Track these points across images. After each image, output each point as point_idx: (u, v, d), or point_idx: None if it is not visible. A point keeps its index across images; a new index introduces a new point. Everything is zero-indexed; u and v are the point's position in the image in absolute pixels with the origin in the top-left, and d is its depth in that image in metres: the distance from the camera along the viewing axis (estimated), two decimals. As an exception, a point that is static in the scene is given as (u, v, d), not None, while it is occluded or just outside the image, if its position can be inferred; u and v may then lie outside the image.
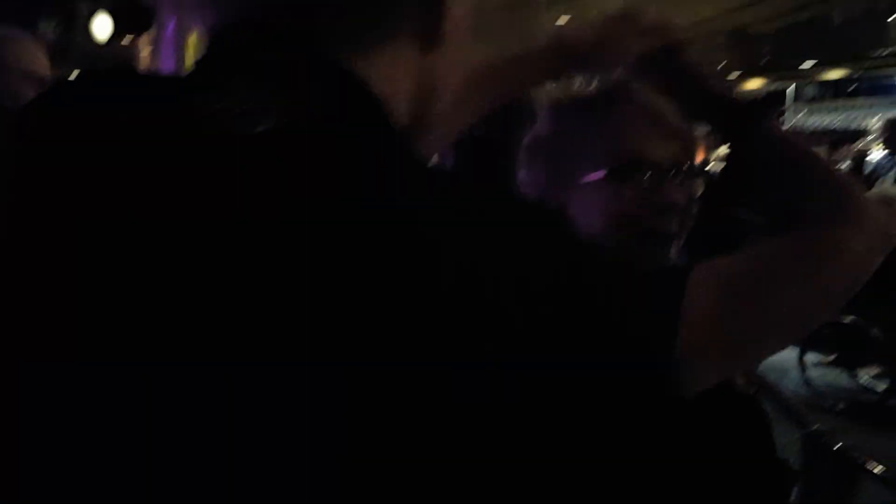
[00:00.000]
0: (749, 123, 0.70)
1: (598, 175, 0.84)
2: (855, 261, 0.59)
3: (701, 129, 0.90)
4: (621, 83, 0.87)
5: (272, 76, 0.39)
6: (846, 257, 0.57)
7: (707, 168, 0.94)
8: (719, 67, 9.14)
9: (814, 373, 4.75)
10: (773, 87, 9.21)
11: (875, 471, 1.60)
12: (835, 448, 1.54)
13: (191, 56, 4.62)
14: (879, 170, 5.39)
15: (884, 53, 7.08)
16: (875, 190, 4.70)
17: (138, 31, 5.45)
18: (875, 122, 7.59)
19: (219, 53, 0.42)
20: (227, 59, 0.41)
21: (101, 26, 5.42)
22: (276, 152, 0.37)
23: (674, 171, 0.84)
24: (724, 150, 0.78)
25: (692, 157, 0.86)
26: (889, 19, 6.49)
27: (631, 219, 0.83)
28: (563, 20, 0.94)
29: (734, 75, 9.08)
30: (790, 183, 0.68)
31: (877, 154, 6.31)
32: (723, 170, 0.84)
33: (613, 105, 0.86)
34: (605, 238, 0.82)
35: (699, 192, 0.88)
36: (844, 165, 6.06)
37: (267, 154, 0.37)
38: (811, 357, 4.83)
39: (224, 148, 0.38)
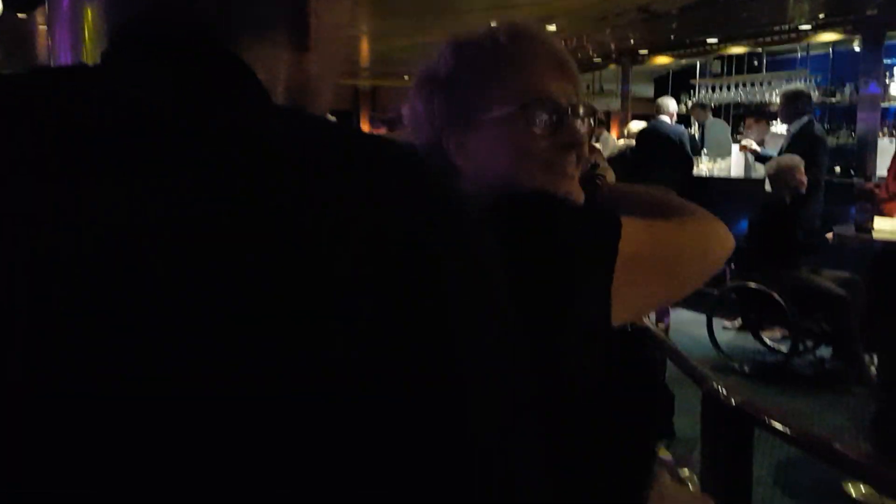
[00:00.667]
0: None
1: (505, 111, 0.84)
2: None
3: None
4: (525, 25, 0.91)
5: (178, 64, 0.44)
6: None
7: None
8: (631, 43, 9.29)
9: (722, 337, 4.95)
10: (680, 62, 9.48)
11: (774, 424, 1.67)
12: (733, 404, 1.60)
13: (88, 28, 4.39)
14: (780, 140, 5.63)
15: (783, 29, 7.39)
16: (777, 158, 4.90)
17: (31, 6, 5.15)
18: (777, 96, 7.93)
19: (126, 47, 0.47)
20: (135, 51, 0.46)
21: (-11, 1, 5.10)
22: (191, 125, 0.40)
23: (571, 110, 0.87)
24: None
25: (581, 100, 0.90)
26: (788, -3, 6.77)
27: (535, 155, 0.84)
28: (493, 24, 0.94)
29: (643, 52, 9.31)
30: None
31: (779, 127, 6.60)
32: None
33: (520, 44, 0.88)
34: (509, 175, 0.83)
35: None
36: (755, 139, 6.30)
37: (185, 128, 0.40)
38: (719, 322, 5.04)
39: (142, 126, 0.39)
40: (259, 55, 0.47)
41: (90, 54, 4.55)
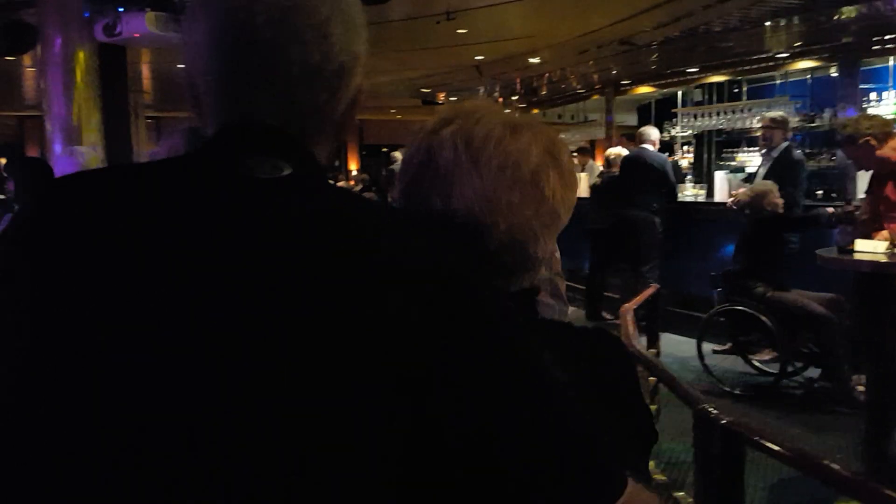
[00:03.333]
0: None
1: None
2: None
3: None
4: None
5: (276, 151, 0.69)
6: None
7: None
8: (613, 74, 9.44)
9: (711, 360, 5.00)
10: (662, 92, 9.67)
11: (765, 443, 1.71)
12: (723, 423, 1.64)
13: (80, 71, 4.45)
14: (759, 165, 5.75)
15: (761, 58, 7.58)
16: (751, 184, 5.00)
17: (22, 50, 5.22)
18: (756, 122, 8.09)
19: (241, 140, 0.70)
20: (252, 143, 0.70)
21: (-19, 44, 5.17)
22: (295, 189, 0.68)
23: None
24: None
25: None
26: (765, 24, 6.95)
27: None
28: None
29: (626, 82, 9.49)
30: None
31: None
32: None
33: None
34: None
35: None
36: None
37: (292, 190, 0.68)
38: (708, 347, 5.09)
39: (264, 188, 0.67)
40: (318, 150, 0.75)
41: (82, 94, 4.62)
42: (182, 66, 0.76)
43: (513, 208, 0.85)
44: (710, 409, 1.69)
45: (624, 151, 7.17)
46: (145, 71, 11.00)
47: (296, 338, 0.60)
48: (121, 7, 4.27)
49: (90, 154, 3.31)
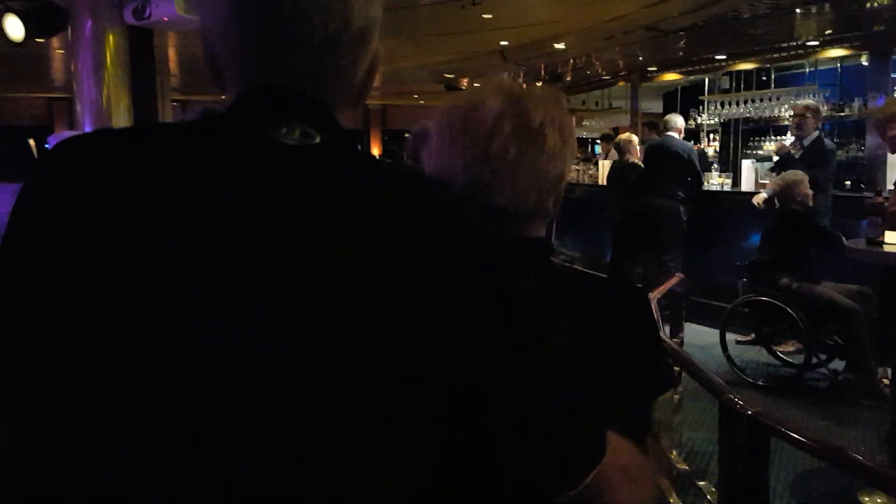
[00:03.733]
0: None
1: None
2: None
3: None
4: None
5: (304, 116, 0.70)
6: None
7: None
8: (639, 60, 9.34)
9: (735, 351, 4.98)
10: (689, 79, 9.55)
11: (791, 434, 1.70)
12: (749, 414, 1.64)
13: (110, 54, 4.50)
14: (786, 155, 5.68)
15: (791, 46, 7.45)
16: (782, 174, 4.94)
17: (52, 33, 5.28)
18: (786, 111, 7.98)
19: (268, 105, 0.71)
20: (279, 108, 0.70)
21: (14, 27, 5.23)
22: (327, 154, 0.70)
23: None
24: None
25: None
26: (796, 11, 6.83)
27: None
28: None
29: (652, 69, 9.39)
30: None
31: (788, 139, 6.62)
32: None
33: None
34: None
35: None
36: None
37: (323, 155, 0.70)
38: (731, 336, 5.06)
39: (296, 153, 0.68)
40: (342, 115, 0.75)
41: (112, 77, 4.67)
42: (202, 40, 0.77)
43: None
44: (736, 400, 1.69)
45: (634, 138, 7.10)
46: (171, 54, 11.08)
47: (347, 303, 0.62)
48: (150, -10, 4.32)
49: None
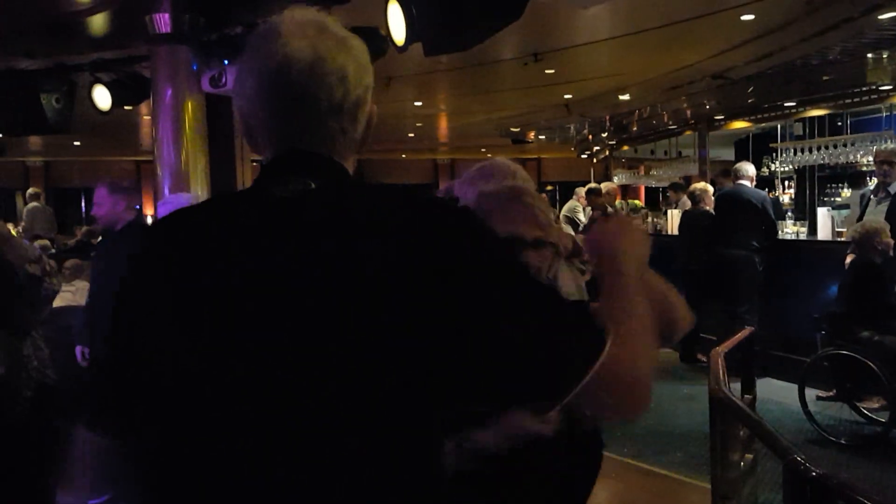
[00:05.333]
0: None
1: None
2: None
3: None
4: (518, 189, 1.55)
5: (307, 171, 0.94)
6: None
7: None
8: (706, 109, 9.25)
9: (815, 407, 4.75)
10: (758, 126, 9.39)
11: (858, 498, 1.62)
12: (812, 475, 1.58)
13: (189, 119, 4.77)
14: (867, 198, 5.50)
15: (863, 91, 7.25)
16: (862, 222, 4.78)
17: (136, 101, 5.63)
18: (862, 156, 7.73)
19: (284, 165, 0.96)
20: (291, 167, 0.95)
21: (101, 96, 5.61)
22: (313, 195, 0.92)
23: (532, 244, 1.49)
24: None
25: (551, 239, 1.54)
26: (868, 56, 6.68)
27: None
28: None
29: (719, 117, 9.27)
30: None
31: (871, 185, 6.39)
32: None
33: (511, 202, 1.52)
34: None
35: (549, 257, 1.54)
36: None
37: (307, 197, 0.92)
38: (812, 393, 4.84)
39: (300, 205, 0.92)
40: (347, 163, 1.00)
41: (190, 142, 4.94)
42: (239, 116, 1.01)
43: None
44: (800, 460, 1.63)
45: (710, 187, 6.99)
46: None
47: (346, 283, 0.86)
48: (226, 60, 4.57)
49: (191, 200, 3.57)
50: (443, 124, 13.17)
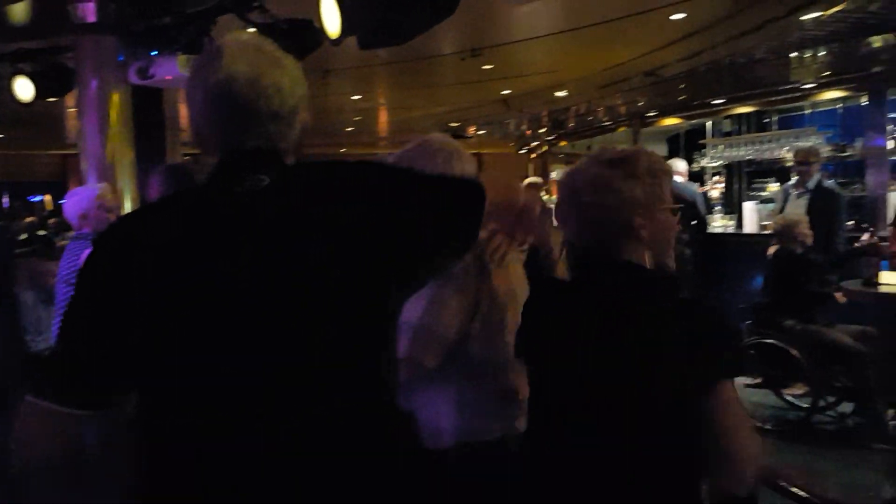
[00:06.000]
0: None
1: None
2: None
3: None
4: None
5: (259, 167, 1.14)
6: None
7: None
8: (639, 106, 9.44)
9: (743, 395, 4.90)
10: (690, 123, 9.63)
11: (780, 483, 1.68)
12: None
13: (115, 112, 4.62)
14: (787, 193, 5.71)
15: (788, 88, 7.52)
16: (782, 214, 4.96)
17: (60, 93, 5.42)
18: (787, 152, 8.01)
19: (234, 162, 1.15)
20: (244, 164, 1.14)
21: (23, 88, 5.38)
22: (267, 189, 1.14)
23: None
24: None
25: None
26: (791, 55, 6.92)
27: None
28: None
29: (652, 114, 9.48)
30: None
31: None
32: None
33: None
34: None
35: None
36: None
37: (263, 191, 1.14)
38: (739, 380, 4.99)
39: (256, 197, 1.13)
40: (287, 159, 1.19)
41: (117, 134, 4.77)
42: (190, 121, 1.19)
43: None
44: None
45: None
46: (182, 110, 11.30)
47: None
48: (154, 51, 4.42)
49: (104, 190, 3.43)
50: (382, 118, 13.10)
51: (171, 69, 4.34)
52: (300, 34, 4.05)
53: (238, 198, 1.10)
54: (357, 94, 10.13)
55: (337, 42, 3.57)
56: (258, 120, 1.12)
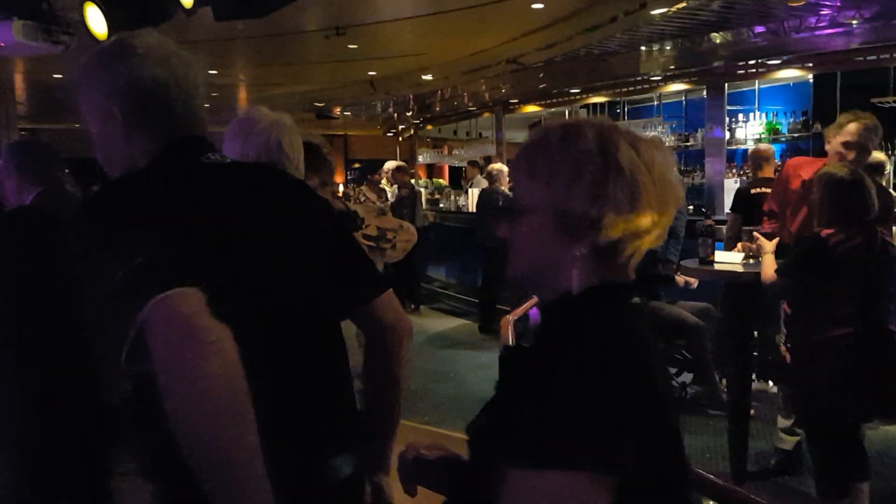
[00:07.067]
0: None
1: None
2: None
3: None
4: None
5: (210, 148, 1.29)
6: None
7: None
8: (502, 93, 9.67)
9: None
10: (549, 111, 10.01)
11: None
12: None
13: None
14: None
15: (637, 80, 7.98)
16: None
17: None
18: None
19: (179, 153, 1.24)
20: (185, 154, 1.25)
21: None
22: (233, 170, 1.34)
23: None
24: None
25: None
26: (642, 48, 7.34)
27: None
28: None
29: (514, 101, 9.76)
30: None
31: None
32: None
33: None
34: None
35: None
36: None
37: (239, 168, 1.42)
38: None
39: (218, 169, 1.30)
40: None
41: None
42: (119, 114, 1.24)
43: None
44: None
45: (505, 168, 7.35)
46: (18, 81, 10.40)
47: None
48: (-12, 14, 4.05)
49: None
50: (242, 95, 12.63)
51: (6, 35, 3.98)
52: (152, 2, 3.84)
53: (227, 167, 1.28)
54: (214, 69, 9.72)
55: (191, 12, 3.42)
56: (195, 112, 1.26)
